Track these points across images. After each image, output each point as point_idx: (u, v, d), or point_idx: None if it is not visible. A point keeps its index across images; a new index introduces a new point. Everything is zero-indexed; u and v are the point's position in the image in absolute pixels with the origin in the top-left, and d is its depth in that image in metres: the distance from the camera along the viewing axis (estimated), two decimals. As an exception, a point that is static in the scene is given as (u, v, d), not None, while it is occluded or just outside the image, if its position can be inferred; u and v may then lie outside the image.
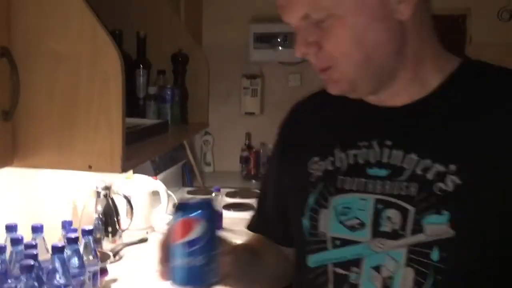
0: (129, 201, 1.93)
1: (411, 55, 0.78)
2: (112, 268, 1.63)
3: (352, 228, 0.79)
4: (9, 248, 1.22)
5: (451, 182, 0.74)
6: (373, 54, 0.75)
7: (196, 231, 0.68)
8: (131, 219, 1.92)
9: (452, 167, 0.75)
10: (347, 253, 0.79)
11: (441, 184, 0.75)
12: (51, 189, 1.66)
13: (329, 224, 0.81)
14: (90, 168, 1.07)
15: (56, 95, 1.09)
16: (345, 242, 0.80)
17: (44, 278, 1.18)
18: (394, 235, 0.76)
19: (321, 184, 0.83)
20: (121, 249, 1.77)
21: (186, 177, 2.81)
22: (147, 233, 1.95)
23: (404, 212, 0.76)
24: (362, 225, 0.79)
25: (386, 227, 0.77)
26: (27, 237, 1.31)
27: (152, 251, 1.78)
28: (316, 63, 0.78)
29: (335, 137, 0.85)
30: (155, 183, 2.06)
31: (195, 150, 3.16)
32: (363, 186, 0.80)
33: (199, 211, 0.69)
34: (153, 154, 1.66)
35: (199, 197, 0.87)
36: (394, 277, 0.76)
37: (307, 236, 0.84)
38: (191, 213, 0.69)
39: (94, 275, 1.38)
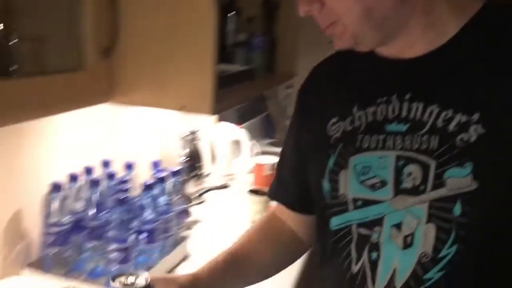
0: (213, 148, 1.97)
1: (421, 0, 0.73)
2: (195, 210, 1.69)
3: (373, 188, 0.77)
4: (104, 182, 1.29)
5: (474, 132, 0.70)
6: (375, 5, 0.71)
7: None
8: (214, 165, 1.97)
9: (475, 116, 0.70)
10: (369, 213, 0.77)
11: (463, 135, 0.70)
12: (142, 130, 1.72)
13: (349, 185, 0.79)
14: (182, 108, 1.09)
15: (154, 35, 1.11)
16: (367, 202, 0.77)
17: (134, 213, 1.23)
18: (415, 191, 0.74)
19: (340, 145, 0.81)
20: (203, 193, 1.81)
21: (267, 129, 2.82)
22: (228, 180, 1.99)
23: (424, 166, 0.73)
24: (383, 183, 0.76)
25: (407, 184, 0.74)
26: (120, 173, 1.38)
27: (232, 197, 1.85)
28: (320, 20, 0.76)
29: (354, 96, 0.82)
30: (239, 132, 2.07)
31: (278, 103, 3.14)
32: (382, 143, 0.77)
33: None
34: (240, 100, 1.66)
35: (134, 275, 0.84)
36: (415, 234, 0.73)
37: (328, 199, 0.83)
38: None
39: (179, 214, 1.42)
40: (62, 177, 1.24)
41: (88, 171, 1.29)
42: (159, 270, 1.29)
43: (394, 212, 0.75)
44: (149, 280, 0.77)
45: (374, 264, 0.76)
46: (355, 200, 0.79)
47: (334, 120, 0.83)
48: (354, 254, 0.78)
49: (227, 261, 0.97)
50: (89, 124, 1.46)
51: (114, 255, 1.16)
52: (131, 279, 0.77)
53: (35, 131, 1.26)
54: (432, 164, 0.72)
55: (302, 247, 1.04)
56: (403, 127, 0.75)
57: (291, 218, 1.00)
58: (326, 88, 0.89)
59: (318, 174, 0.83)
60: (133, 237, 1.19)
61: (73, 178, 1.25)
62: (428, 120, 0.74)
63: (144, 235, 1.25)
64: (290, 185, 0.98)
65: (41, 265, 1.22)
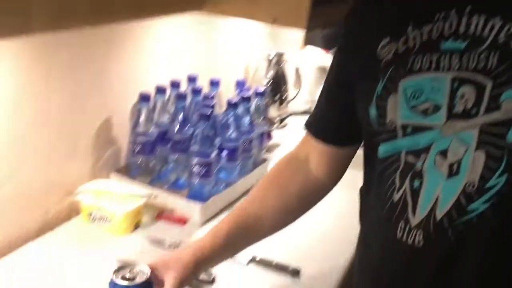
0: (298, 72, 1.91)
1: None
2: (276, 134, 1.67)
3: (424, 113, 0.70)
4: (189, 97, 1.29)
5: None
6: None
7: None
8: (298, 90, 1.92)
9: None
10: (419, 140, 0.71)
11: None
12: (230, 48, 1.70)
13: (398, 111, 0.73)
14: (274, 21, 1.04)
15: None
16: (417, 129, 0.71)
17: (218, 130, 1.24)
18: (466, 114, 0.67)
19: (390, 68, 0.74)
20: (285, 117, 1.79)
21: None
22: (312, 106, 1.94)
23: (479, 87, 0.66)
24: (436, 108, 0.69)
25: (458, 107, 0.68)
26: (205, 89, 1.37)
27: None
28: None
29: (409, 14, 0.74)
30: (326, 58, 1.99)
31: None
32: (435, 64, 0.70)
33: None
34: (332, 22, 1.58)
35: (137, 269, 0.78)
36: (462, 162, 0.68)
37: (375, 126, 0.76)
38: None
39: (261, 136, 1.41)
40: (150, 89, 1.25)
41: (175, 84, 1.29)
42: (239, 188, 1.30)
43: (442, 138, 0.69)
44: (149, 275, 0.77)
45: (415, 193, 0.71)
46: (404, 127, 0.72)
47: (385, 41, 0.75)
48: (397, 182, 0.74)
49: (231, 224, 0.87)
50: (180, 35, 1.45)
51: (196, 168, 1.18)
52: (133, 273, 0.77)
53: (128, 38, 1.27)
54: (488, 84, 0.66)
55: (320, 188, 0.94)
56: (460, 45, 0.68)
57: (320, 152, 0.90)
58: (375, 8, 0.81)
59: (365, 101, 0.77)
60: (215, 153, 1.20)
61: (161, 90, 1.26)
62: (489, 35, 0.66)
63: (226, 152, 1.25)
64: (328, 117, 0.90)
65: (128, 171, 1.27)
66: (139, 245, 1.07)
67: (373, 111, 0.76)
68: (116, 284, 0.75)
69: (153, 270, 0.78)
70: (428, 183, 0.71)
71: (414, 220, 0.71)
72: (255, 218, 0.88)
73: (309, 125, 0.93)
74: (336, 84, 0.87)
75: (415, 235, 0.71)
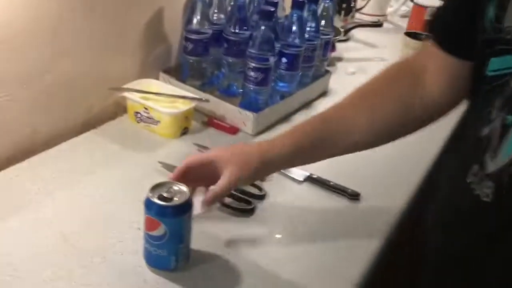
0: (369, -20, 1.71)
1: None
2: (340, 46, 1.52)
3: None
4: (249, -6, 1.15)
5: None
6: None
7: (158, 231, 0.67)
8: (367, 1, 1.73)
9: None
10: None
11: None
12: None
13: None
14: None
15: None
16: None
17: (279, 33, 1.10)
18: None
19: None
20: (351, 29, 1.62)
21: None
22: (381, 19, 1.76)
23: None
24: None
25: None
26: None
27: (382, 37, 1.64)
28: None
29: None
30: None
31: None
32: None
33: (162, 217, 0.67)
34: None
35: (175, 188, 0.69)
36: None
37: (489, 32, 0.60)
38: (154, 214, 0.67)
39: (325, 45, 1.27)
40: (207, -19, 1.12)
41: (235, -21, 1.15)
42: (296, 100, 1.19)
43: None
44: (189, 195, 0.68)
45: (505, 130, 0.57)
46: None
47: None
48: (493, 113, 0.59)
49: (307, 133, 0.75)
50: None
51: (252, 74, 1.06)
52: (170, 192, 0.68)
53: None
54: None
55: (431, 111, 0.77)
56: None
57: (441, 65, 0.74)
58: None
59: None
60: (274, 59, 1.07)
61: (219, -17, 1.12)
62: None
63: (286, 59, 1.13)
64: (452, 21, 0.73)
65: (178, 72, 1.18)
66: (185, 150, 1.00)
67: (490, 12, 0.60)
68: (153, 203, 0.67)
69: (211, 160, 0.73)
70: None
71: (490, 167, 0.58)
72: (337, 133, 0.76)
73: (432, 29, 0.76)
74: None
75: (485, 186, 0.59)
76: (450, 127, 1.14)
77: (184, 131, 1.05)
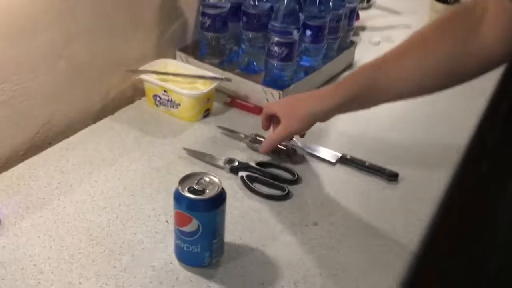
0: None
1: None
2: (362, 15, 1.44)
3: None
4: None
5: None
6: None
7: (190, 226, 0.62)
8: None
9: None
10: None
11: None
12: None
13: None
14: None
15: None
16: None
17: (302, 4, 1.03)
18: None
19: None
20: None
21: None
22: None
23: None
24: None
25: None
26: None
27: (409, 4, 1.55)
28: None
29: None
30: None
31: None
32: None
33: (194, 212, 0.61)
34: None
35: (206, 179, 0.64)
36: None
37: None
38: (185, 209, 0.62)
39: (350, 13, 1.19)
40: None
41: None
42: (323, 74, 1.12)
43: None
44: (221, 186, 0.63)
45: None
46: None
47: None
48: None
49: (359, 81, 0.77)
50: None
51: (276, 49, 1.00)
52: (201, 184, 0.62)
53: None
54: None
55: (484, 58, 0.70)
56: None
57: (501, 9, 0.66)
58: None
59: None
60: (299, 32, 1.00)
61: (236, -48, 1.05)
62: None
63: (311, 31, 1.06)
64: None
65: (195, 50, 1.11)
66: (208, 134, 0.94)
67: None
68: (184, 197, 0.62)
69: (272, 112, 0.85)
70: None
71: None
72: (388, 79, 0.74)
73: None
74: None
75: None
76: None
77: (206, 114, 0.99)
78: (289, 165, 0.86)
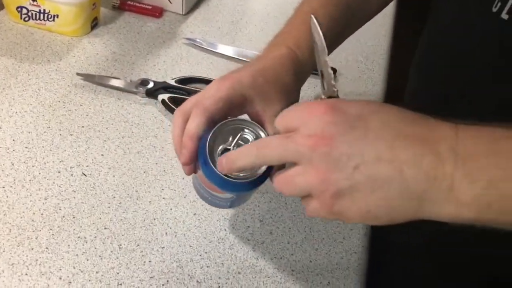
0: None
1: None
2: None
3: None
4: None
5: None
6: None
7: (224, 195, 0.44)
8: None
9: None
10: None
11: None
12: None
13: None
14: None
15: None
16: None
17: None
18: None
19: None
20: None
21: None
22: None
23: None
24: None
25: None
26: None
27: None
28: None
29: None
30: None
31: None
32: None
33: (233, 192, 0.43)
34: None
35: (247, 134, 0.41)
36: None
37: None
38: (222, 188, 0.43)
39: None
40: None
41: None
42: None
43: None
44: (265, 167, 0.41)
45: None
46: None
47: None
48: None
49: (329, 8, 0.52)
50: None
51: None
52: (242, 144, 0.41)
53: None
54: None
55: None
56: None
57: None
58: None
59: None
60: None
61: None
62: None
63: None
64: None
65: None
66: (104, 49, 0.75)
67: None
68: (221, 178, 0.41)
69: (251, 96, 0.44)
70: None
71: None
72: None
73: None
74: None
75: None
76: None
77: (94, 24, 0.78)
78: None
